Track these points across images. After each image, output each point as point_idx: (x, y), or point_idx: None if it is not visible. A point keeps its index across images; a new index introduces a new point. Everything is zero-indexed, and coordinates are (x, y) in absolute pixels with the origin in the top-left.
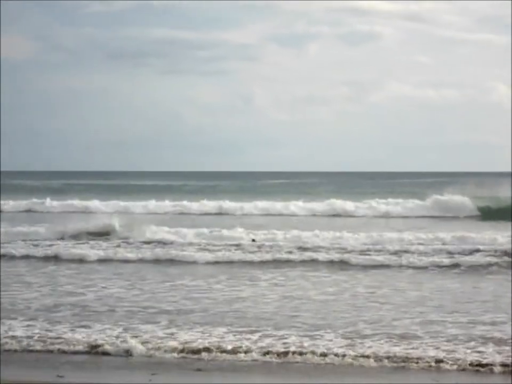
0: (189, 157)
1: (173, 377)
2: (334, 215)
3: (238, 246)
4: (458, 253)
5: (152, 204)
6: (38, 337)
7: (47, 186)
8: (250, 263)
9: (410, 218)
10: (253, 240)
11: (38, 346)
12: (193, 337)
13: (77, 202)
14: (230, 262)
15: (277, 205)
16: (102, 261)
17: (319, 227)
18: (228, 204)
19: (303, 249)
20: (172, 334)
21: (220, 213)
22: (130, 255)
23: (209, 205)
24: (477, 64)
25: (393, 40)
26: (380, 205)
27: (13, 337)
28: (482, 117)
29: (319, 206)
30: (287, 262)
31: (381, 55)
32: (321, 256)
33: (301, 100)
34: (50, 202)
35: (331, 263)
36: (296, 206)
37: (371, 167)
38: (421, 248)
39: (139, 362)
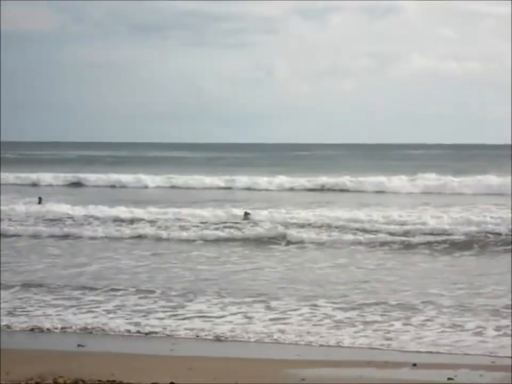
0: (211, 128)
1: None
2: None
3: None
4: None
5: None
6: None
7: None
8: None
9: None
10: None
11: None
12: None
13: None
14: None
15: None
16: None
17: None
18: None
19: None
20: None
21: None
22: None
23: (241, 180)
24: (500, 37)
25: (416, 13)
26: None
27: None
28: (505, 90)
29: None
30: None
31: (404, 27)
32: None
33: (322, 72)
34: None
35: None
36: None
37: (392, 139)
38: None
39: None
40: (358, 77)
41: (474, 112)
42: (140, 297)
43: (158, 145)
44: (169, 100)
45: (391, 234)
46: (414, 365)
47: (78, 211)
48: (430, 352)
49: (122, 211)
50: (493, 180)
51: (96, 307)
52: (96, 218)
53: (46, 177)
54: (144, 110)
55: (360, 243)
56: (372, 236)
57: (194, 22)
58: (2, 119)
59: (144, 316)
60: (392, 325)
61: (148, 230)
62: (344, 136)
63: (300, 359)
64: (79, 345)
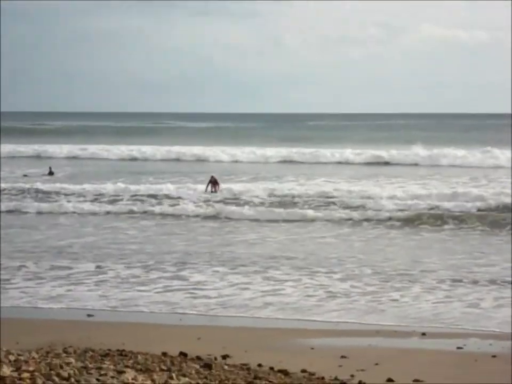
0: (219, 98)
1: None
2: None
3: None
4: None
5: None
6: None
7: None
8: None
9: None
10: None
11: None
12: None
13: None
14: None
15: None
16: None
17: None
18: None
19: None
20: None
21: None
22: None
23: (256, 152)
24: (508, 6)
25: None
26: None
27: None
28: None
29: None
30: None
31: None
32: None
33: (331, 41)
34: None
35: None
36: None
37: (401, 109)
38: None
39: None
40: (367, 46)
41: (481, 80)
42: None
43: (166, 115)
44: (176, 69)
45: None
46: (423, 334)
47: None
48: (439, 321)
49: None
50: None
51: None
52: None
53: (58, 148)
54: (151, 80)
55: None
56: None
57: None
58: (16, 90)
59: None
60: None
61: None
62: (354, 105)
63: (309, 328)
64: (88, 315)
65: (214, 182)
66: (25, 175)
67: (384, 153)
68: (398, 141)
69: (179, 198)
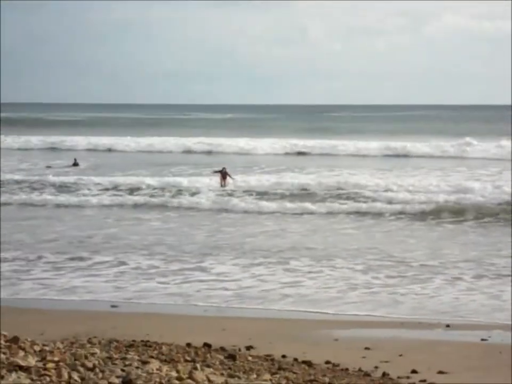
0: (242, 89)
1: None
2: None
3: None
4: None
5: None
6: None
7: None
8: None
9: None
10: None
11: None
12: None
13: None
14: None
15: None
16: None
17: None
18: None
19: None
20: None
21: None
22: None
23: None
24: None
25: None
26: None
27: None
28: None
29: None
30: None
31: None
32: None
33: (356, 30)
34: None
35: None
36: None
37: (424, 99)
38: None
39: None
40: (392, 35)
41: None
42: None
43: (189, 106)
44: (200, 60)
45: None
46: (447, 326)
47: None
48: (462, 313)
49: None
50: None
51: None
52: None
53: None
54: (173, 71)
55: None
56: None
57: None
58: (33, 81)
59: None
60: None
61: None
62: (377, 96)
63: (333, 319)
64: (112, 306)
65: (224, 175)
66: (48, 167)
67: (406, 144)
68: (420, 132)
69: (198, 190)
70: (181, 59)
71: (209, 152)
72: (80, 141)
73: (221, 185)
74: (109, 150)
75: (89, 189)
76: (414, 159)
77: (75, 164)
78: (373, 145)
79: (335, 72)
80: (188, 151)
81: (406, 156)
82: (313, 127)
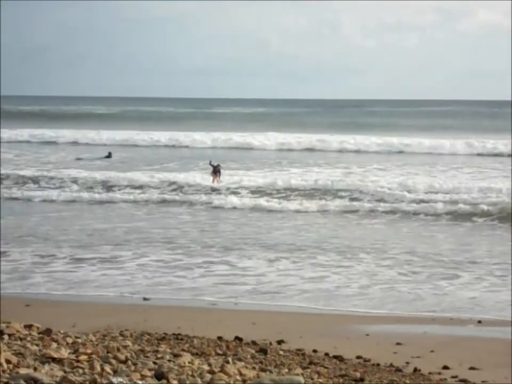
0: (273, 84)
1: None
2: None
3: None
4: None
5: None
6: None
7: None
8: None
9: None
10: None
11: None
12: None
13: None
14: None
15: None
16: None
17: None
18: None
19: None
20: None
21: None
22: None
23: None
24: None
25: None
26: None
27: None
28: None
29: None
30: None
31: None
32: None
33: (388, 26)
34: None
35: None
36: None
37: (457, 95)
38: None
39: None
40: (424, 31)
41: None
42: None
43: (220, 100)
44: (232, 55)
45: None
46: (479, 322)
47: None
48: (494, 310)
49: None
50: None
51: None
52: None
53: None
54: (205, 66)
55: None
56: None
57: None
58: (65, 74)
59: None
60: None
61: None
62: (410, 91)
63: (364, 314)
64: (144, 299)
65: (216, 172)
66: (78, 159)
67: (439, 141)
68: (453, 128)
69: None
70: (212, 54)
71: (246, 148)
72: (110, 134)
73: (212, 182)
74: (136, 145)
75: (120, 186)
76: (449, 156)
77: (108, 156)
78: (406, 140)
79: (366, 67)
80: (221, 147)
81: (441, 153)
82: (348, 122)
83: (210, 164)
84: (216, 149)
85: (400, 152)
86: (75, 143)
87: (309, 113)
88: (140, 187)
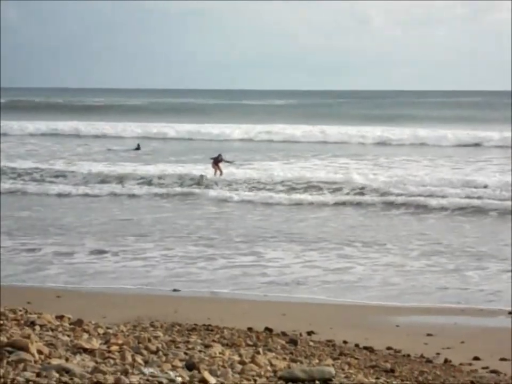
0: (303, 76)
1: None
2: None
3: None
4: None
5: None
6: None
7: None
8: None
9: None
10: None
11: None
12: None
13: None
14: None
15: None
16: None
17: None
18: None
19: None
20: None
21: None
22: None
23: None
24: None
25: None
26: None
27: None
28: None
29: None
30: None
31: None
32: None
33: (417, 19)
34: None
35: None
36: None
37: (486, 86)
38: None
39: None
40: (452, 23)
41: None
42: None
43: (250, 92)
44: (262, 48)
45: None
46: (510, 313)
47: None
48: None
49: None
50: None
51: None
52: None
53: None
54: (236, 58)
55: None
56: None
57: None
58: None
59: None
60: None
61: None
62: (437, 82)
63: (394, 306)
64: (174, 290)
65: (217, 162)
66: (109, 149)
67: (469, 133)
68: (484, 120)
69: (257, 181)
70: (241, 47)
71: (271, 141)
72: (140, 126)
73: (214, 174)
74: (165, 137)
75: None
76: (484, 149)
77: (137, 148)
78: (435, 132)
79: (395, 59)
80: (250, 139)
81: (477, 144)
82: (377, 114)
83: (211, 158)
84: (244, 141)
85: (427, 144)
86: (104, 135)
87: (340, 104)
88: (163, 179)
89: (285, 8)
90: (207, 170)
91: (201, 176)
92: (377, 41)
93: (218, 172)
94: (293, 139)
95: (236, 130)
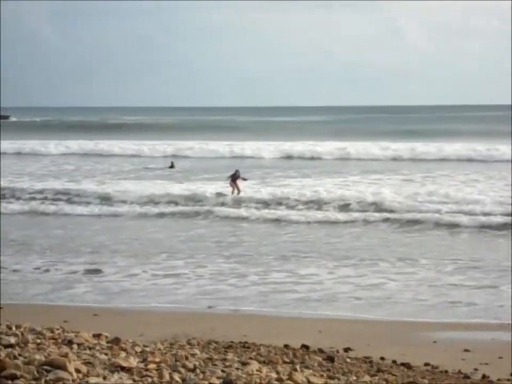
0: (338, 91)
1: None
2: None
3: None
4: None
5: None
6: None
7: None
8: None
9: None
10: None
11: None
12: None
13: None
14: None
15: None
16: None
17: None
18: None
19: None
20: None
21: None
22: None
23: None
24: None
25: None
26: None
27: None
28: None
29: None
30: None
31: None
32: None
33: (453, 33)
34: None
35: None
36: None
37: None
38: None
39: None
40: (489, 37)
41: None
42: None
43: (283, 109)
44: (296, 63)
45: None
46: None
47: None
48: None
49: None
50: None
51: None
52: None
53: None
54: (271, 75)
55: None
56: None
57: None
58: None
59: None
60: None
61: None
62: (473, 96)
63: (431, 321)
64: (209, 307)
65: (235, 180)
66: (146, 168)
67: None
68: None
69: (287, 198)
70: (274, 62)
71: (313, 158)
72: (174, 144)
73: (232, 193)
74: (200, 156)
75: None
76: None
77: (171, 166)
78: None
79: (430, 73)
80: (288, 157)
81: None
82: (414, 129)
83: (228, 177)
84: (277, 158)
85: (462, 159)
86: (140, 152)
87: (376, 119)
88: (193, 198)
89: (318, 23)
90: (226, 189)
91: (218, 193)
92: (411, 56)
93: (236, 191)
94: (325, 155)
95: (268, 147)
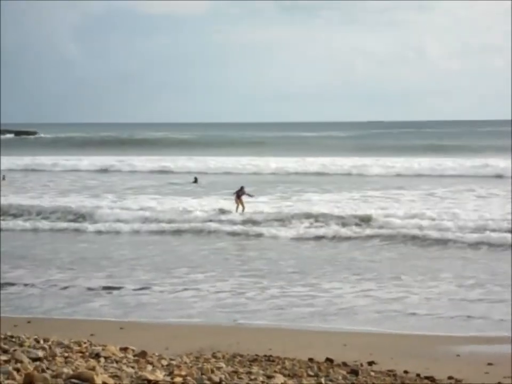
0: (359, 107)
1: None
2: None
3: None
4: None
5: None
6: None
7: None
8: None
9: None
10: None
11: None
12: None
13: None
14: None
15: None
16: None
17: None
18: None
19: None
20: None
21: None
22: None
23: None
24: None
25: None
26: None
27: None
28: None
29: None
30: None
31: None
32: None
33: (473, 49)
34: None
35: None
36: None
37: None
38: None
39: None
40: (509, 53)
41: None
42: None
43: (305, 125)
44: (317, 79)
45: None
46: None
47: None
48: None
49: None
50: None
51: None
52: None
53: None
54: (291, 90)
55: None
56: None
57: (343, 1)
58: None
59: None
60: None
61: None
62: (496, 112)
63: (454, 335)
64: (234, 321)
65: (239, 196)
66: (171, 183)
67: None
68: None
69: (308, 214)
70: (299, 79)
71: (320, 173)
72: (197, 161)
73: (236, 210)
74: (224, 171)
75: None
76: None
77: (195, 181)
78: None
79: (451, 90)
80: (304, 172)
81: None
82: (435, 145)
83: (234, 193)
84: (299, 174)
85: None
86: (166, 168)
87: (401, 134)
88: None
89: (340, 39)
90: (232, 206)
91: (220, 210)
92: (432, 72)
93: (240, 208)
94: (348, 171)
95: (289, 164)
